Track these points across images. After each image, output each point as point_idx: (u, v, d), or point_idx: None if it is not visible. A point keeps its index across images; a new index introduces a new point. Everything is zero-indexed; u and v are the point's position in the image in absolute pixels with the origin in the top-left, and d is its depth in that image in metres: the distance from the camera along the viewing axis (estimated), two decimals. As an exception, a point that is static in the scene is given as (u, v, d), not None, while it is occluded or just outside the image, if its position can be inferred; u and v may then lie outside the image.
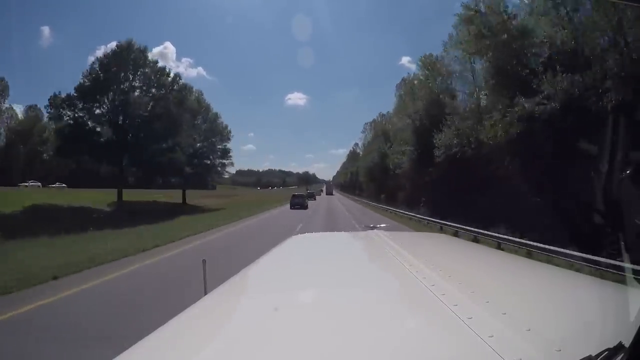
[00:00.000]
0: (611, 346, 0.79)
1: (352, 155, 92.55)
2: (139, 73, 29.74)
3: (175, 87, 31.00)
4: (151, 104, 29.32)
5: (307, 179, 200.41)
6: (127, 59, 29.40)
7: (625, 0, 5.75)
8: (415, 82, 29.62)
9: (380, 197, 40.77)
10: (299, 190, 53.77)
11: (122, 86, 28.90)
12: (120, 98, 28.52)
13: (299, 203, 33.19)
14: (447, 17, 25.61)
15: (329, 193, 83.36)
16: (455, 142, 18.30)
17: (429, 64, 26.81)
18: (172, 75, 30.93)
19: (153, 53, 42.69)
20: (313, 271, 1.78)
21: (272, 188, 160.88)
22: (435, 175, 21.78)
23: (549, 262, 6.95)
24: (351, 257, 2.30)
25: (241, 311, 1.29)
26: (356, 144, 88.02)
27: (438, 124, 21.94)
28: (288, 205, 34.86)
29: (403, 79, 35.50)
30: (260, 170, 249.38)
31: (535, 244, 9.68)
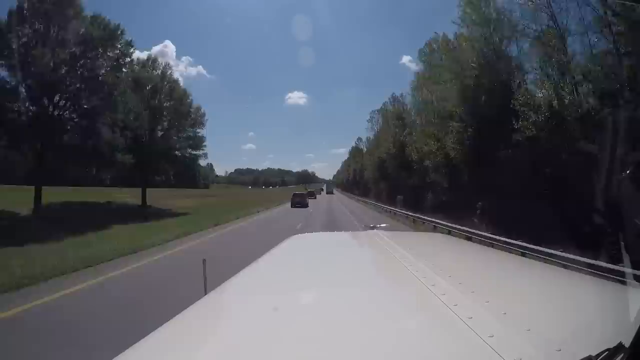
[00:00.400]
0: (611, 346, 0.78)
1: (355, 152, 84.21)
2: (65, 25, 21.08)
3: (116, 45, 22.05)
4: (74, 64, 20.48)
5: (306, 178, 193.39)
6: (50, 6, 20.91)
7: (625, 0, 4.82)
8: (458, 31, 20.74)
9: (395, 198, 31.90)
10: (299, 190, 54.52)
11: (39, 40, 20.33)
12: (35, 57, 19.98)
13: (299, 202, 34.40)
14: (448, 16, 18.44)
15: (329, 192, 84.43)
16: (578, 98, 9.45)
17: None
18: (110, 26, 21.87)
19: (153, 51, 34.76)
20: (313, 271, 1.75)
21: (265, 187, 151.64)
22: (511, 163, 12.86)
23: None
24: (351, 257, 2.27)
25: (241, 311, 1.26)
26: (359, 139, 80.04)
27: (508, 83, 13.37)
28: (278, 209, 33.37)
29: (426, 43, 26.54)
30: (260, 169, 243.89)
31: None
